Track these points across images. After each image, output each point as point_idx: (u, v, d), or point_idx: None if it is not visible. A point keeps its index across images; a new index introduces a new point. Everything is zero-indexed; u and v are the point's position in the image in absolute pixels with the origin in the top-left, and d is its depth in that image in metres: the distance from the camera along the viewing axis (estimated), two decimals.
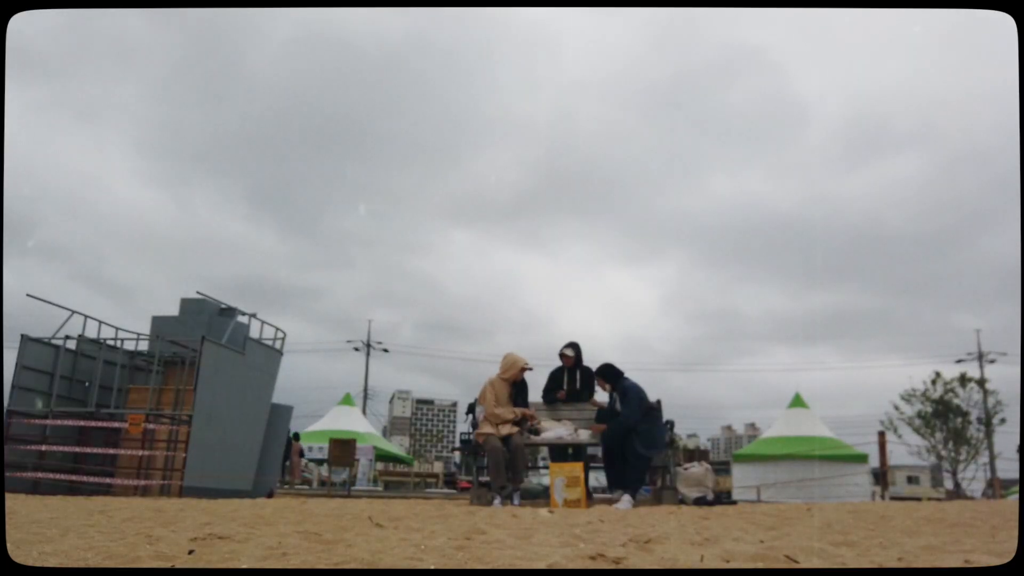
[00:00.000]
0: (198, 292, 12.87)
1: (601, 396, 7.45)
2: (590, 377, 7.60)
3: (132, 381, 12.59)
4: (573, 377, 7.64)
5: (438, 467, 45.97)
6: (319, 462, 24.65)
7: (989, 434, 32.49)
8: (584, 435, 7.17)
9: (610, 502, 6.60)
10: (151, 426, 11.22)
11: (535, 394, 7.53)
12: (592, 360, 7.73)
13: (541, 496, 7.44)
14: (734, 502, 8.70)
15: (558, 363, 7.74)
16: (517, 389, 7.11)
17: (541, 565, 2.23)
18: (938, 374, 33.64)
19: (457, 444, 8.41)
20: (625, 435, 6.74)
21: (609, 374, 6.98)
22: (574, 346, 7.64)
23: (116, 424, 11.23)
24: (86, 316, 12.04)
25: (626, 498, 6.47)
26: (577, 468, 6.50)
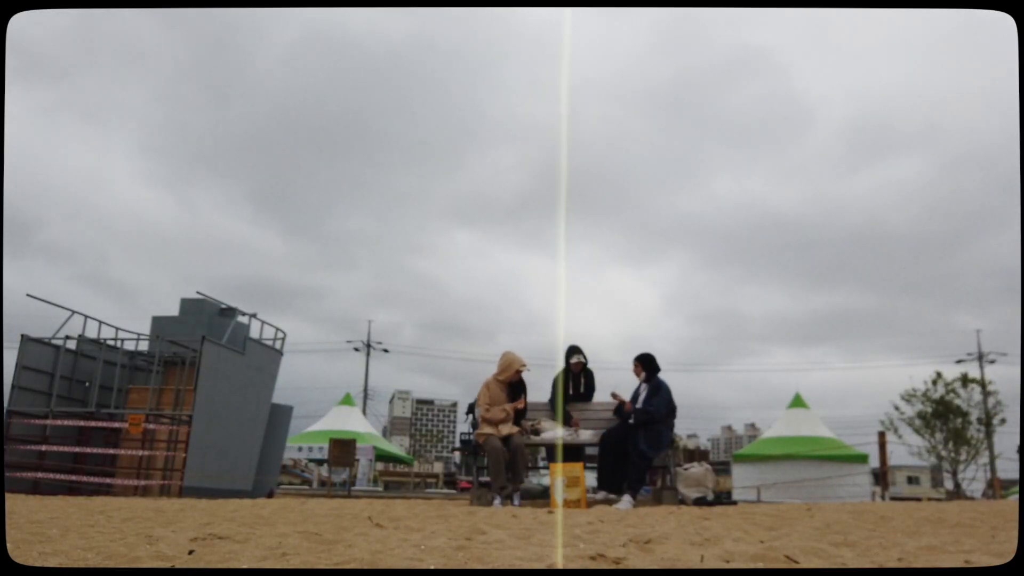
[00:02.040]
0: (198, 292, 12.88)
1: (602, 397, 7.49)
2: (593, 378, 7.65)
3: (132, 381, 12.59)
4: (578, 381, 7.65)
5: (438, 467, 45.99)
6: (319, 462, 24.65)
7: (989, 434, 32.49)
8: (585, 435, 7.18)
9: (610, 503, 6.60)
10: (151, 426, 11.22)
11: (539, 396, 7.54)
12: (593, 360, 7.77)
13: (541, 496, 7.44)
14: (734, 502, 8.70)
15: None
16: (514, 390, 7.10)
17: (541, 565, 2.23)
18: (939, 374, 33.66)
19: (457, 444, 8.41)
20: (626, 434, 6.75)
21: (648, 364, 7.04)
22: (581, 351, 7.65)
23: (116, 424, 11.23)
24: (86, 316, 12.05)
25: (626, 498, 6.48)
26: (577, 468, 6.50)
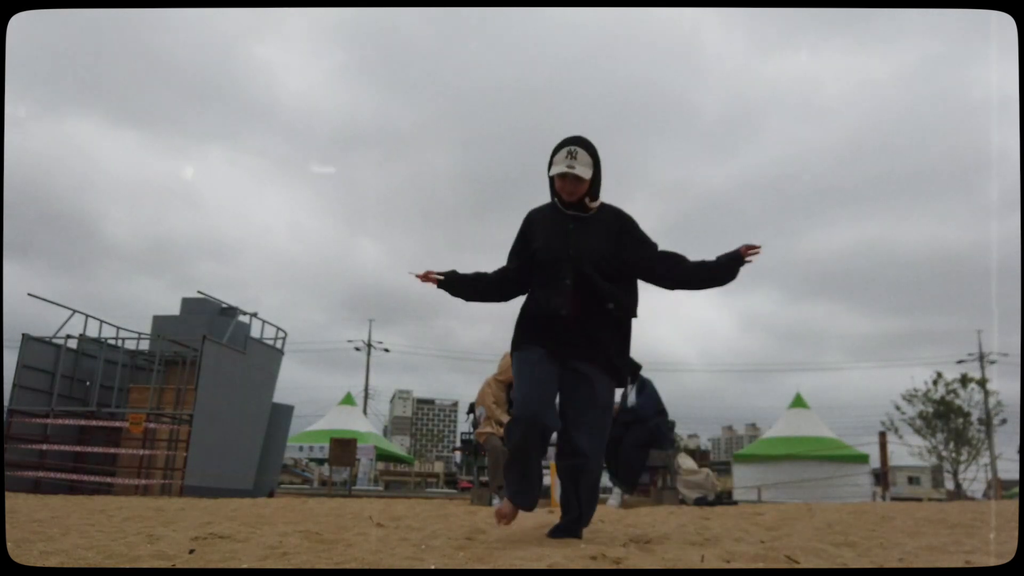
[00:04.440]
0: (199, 292, 12.89)
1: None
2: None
3: (133, 380, 12.59)
4: None
5: (439, 467, 45.92)
6: (320, 462, 24.67)
7: (990, 435, 32.48)
8: None
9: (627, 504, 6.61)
10: (152, 425, 11.22)
11: None
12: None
13: (542, 496, 7.45)
14: (735, 502, 8.70)
15: None
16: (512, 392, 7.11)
17: (541, 565, 2.23)
18: (939, 374, 33.66)
19: (458, 444, 8.41)
20: (628, 427, 6.80)
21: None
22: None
23: (117, 423, 11.23)
24: (87, 315, 12.06)
25: (616, 493, 6.54)
26: None
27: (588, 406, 3.04)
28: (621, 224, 3.11)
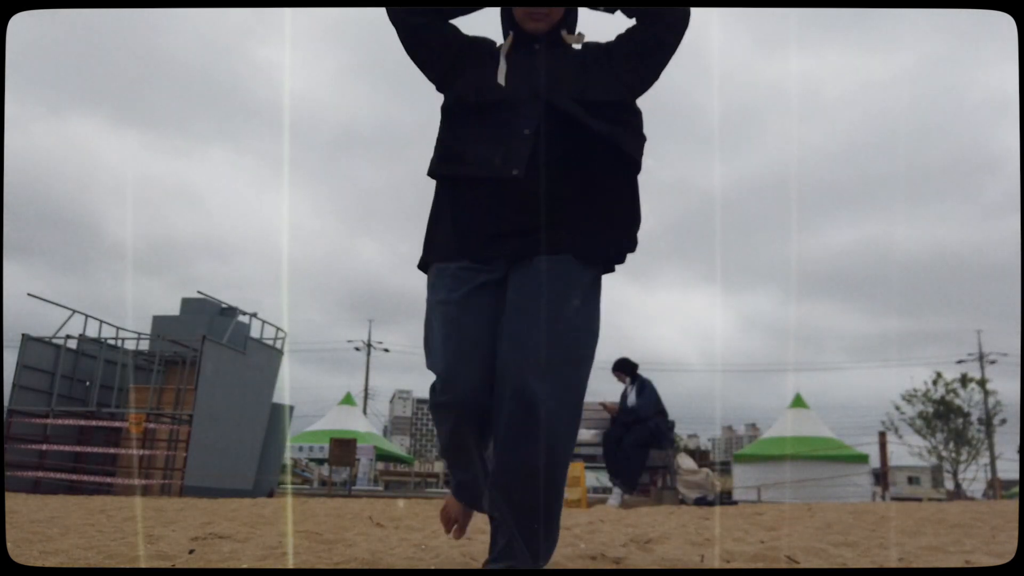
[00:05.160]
0: (199, 292, 12.90)
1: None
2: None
3: (133, 380, 12.60)
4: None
5: (439, 467, 45.93)
6: (319, 462, 24.66)
7: (990, 435, 32.49)
8: (587, 435, 7.20)
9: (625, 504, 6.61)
10: (152, 425, 11.23)
11: None
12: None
13: None
14: (735, 502, 8.70)
15: None
16: None
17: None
18: (939, 374, 33.67)
19: None
20: (628, 427, 6.84)
21: (627, 367, 7.19)
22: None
23: (117, 423, 11.24)
24: (87, 315, 12.07)
25: (616, 493, 6.57)
26: (577, 468, 6.52)
27: (559, 332, 1.72)
28: (608, 45, 1.92)
